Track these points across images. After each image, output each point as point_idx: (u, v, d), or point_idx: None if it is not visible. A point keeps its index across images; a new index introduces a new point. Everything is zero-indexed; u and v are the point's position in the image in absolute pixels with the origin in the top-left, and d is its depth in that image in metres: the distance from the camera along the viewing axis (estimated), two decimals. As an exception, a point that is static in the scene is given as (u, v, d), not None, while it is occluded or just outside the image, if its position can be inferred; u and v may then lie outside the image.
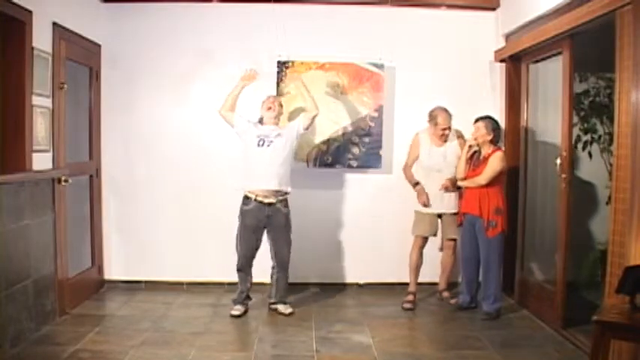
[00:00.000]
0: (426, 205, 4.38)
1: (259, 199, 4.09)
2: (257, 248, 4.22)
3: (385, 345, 3.65)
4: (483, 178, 4.07)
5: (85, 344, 3.52)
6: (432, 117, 4.37)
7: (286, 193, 4.18)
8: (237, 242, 4.19)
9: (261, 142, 4.12)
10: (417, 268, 4.48)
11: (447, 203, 4.39)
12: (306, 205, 4.87)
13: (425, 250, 4.51)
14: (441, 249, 4.58)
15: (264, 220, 4.13)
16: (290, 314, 4.20)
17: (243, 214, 4.15)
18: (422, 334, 3.93)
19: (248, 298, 4.27)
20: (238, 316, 4.11)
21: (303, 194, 4.88)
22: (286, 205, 4.20)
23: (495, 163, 4.07)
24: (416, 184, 4.43)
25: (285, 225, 4.20)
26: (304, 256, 4.84)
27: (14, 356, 3.26)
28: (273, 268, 4.28)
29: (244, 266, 4.20)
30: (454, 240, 4.47)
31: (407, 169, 4.52)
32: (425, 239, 4.47)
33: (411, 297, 4.43)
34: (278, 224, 4.16)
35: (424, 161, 4.42)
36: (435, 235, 4.49)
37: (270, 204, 4.10)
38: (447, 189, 4.35)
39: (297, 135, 4.26)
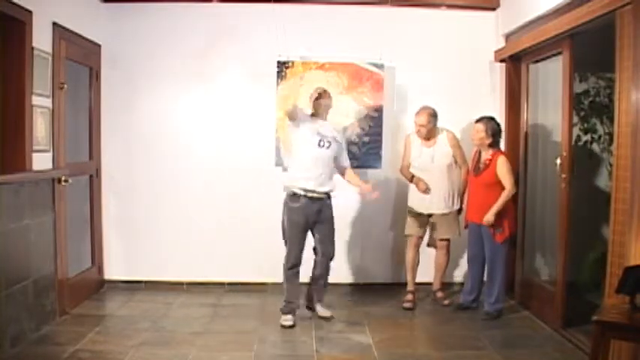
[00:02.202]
0: (426, 191, 4.34)
1: (310, 195, 3.93)
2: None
3: (385, 345, 3.65)
4: (509, 185, 4.02)
5: (85, 344, 3.52)
6: (415, 115, 4.39)
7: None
8: (286, 242, 4.02)
9: (321, 143, 3.95)
10: (413, 267, 4.48)
11: (436, 203, 4.37)
12: (306, 205, 4.88)
13: (422, 250, 4.51)
14: (429, 244, 4.58)
15: (313, 215, 3.97)
16: (330, 318, 4.11)
17: (291, 211, 3.95)
18: (422, 334, 3.93)
19: (297, 307, 4.07)
20: (291, 327, 3.92)
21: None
22: (330, 198, 4.09)
23: (505, 168, 4.04)
24: (412, 177, 4.42)
25: (332, 218, 4.10)
26: (304, 255, 4.84)
27: (14, 356, 3.26)
28: (316, 266, 4.14)
29: (297, 265, 4.01)
30: (447, 240, 4.47)
31: (404, 169, 4.50)
32: (419, 238, 4.47)
33: (410, 296, 4.43)
34: (327, 217, 4.06)
35: (414, 161, 4.43)
36: (422, 234, 4.48)
37: (319, 199, 3.98)
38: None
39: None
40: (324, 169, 3.97)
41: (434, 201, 4.37)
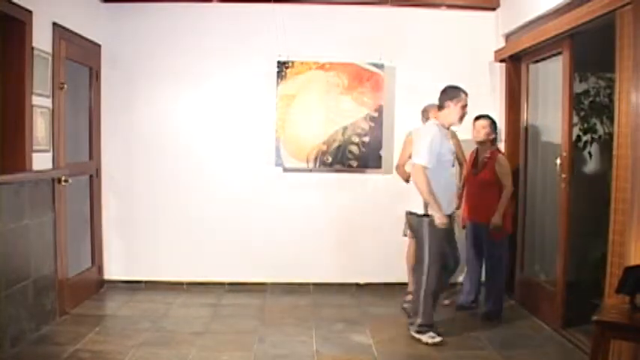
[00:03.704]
0: None
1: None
2: None
3: (385, 345, 3.66)
4: (509, 184, 4.04)
5: (85, 344, 3.52)
6: (426, 114, 4.26)
7: None
8: (434, 259, 3.61)
9: (452, 163, 3.73)
10: (412, 268, 4.43)
11: None
12: (305, 205, 4.88)
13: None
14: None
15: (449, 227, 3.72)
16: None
17: (436, 229, 3.57)
18: (422, 334, 3.93)
19: None
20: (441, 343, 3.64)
21: (303, 194, 4.89)
22: None
23: (506, 168, 4.06)
24: (409, 177, 4.27)
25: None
26: (304, 256, 4.85)
27: (14, 356, 3.27)
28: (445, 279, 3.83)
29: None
30: None
31: (400, 168, 4.41)
32: None
33: (409, 297, 4.42)
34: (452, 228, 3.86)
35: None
36: None
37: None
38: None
39: None
40: (453, 190, 3.82)
41: None
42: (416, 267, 3.81)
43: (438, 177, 3.57)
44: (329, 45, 4.82)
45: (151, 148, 4.84)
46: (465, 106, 3.66)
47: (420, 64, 4.87)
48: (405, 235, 4.41)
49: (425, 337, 3.67)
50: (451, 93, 3.68)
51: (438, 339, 3.65)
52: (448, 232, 3.70)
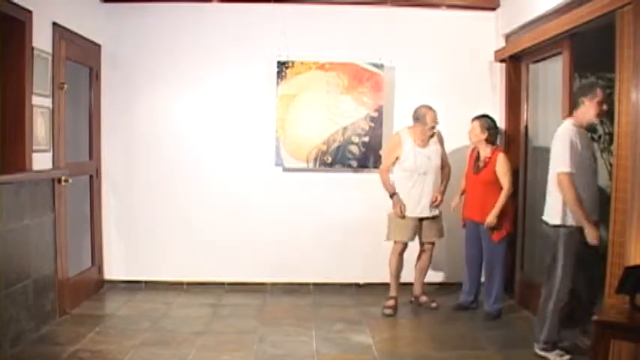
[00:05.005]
0: (402, 216, 4.21)
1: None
2: None
3: (385, 345, 3.66)
4: (507, 184, 4.02)
5: (85, 344, 3.52)
6: (420, 116, 4.19)
7: None
8: (566, 272, 3.30)
9: (595, 167, 3.46)
10: (397, 273, 4.35)
11: (429, 207, 4.25)
12: (305, 205, 4.88)
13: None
14: (419, 257, 4.47)
15: None
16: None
17: (575, 241, 3.29)
18: (422, 334, 3.93)
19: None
20: None
21: (303, 194, 4.89)
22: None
23: (505, 167, 4.04)
24: (393, 194, 4.25)
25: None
26: (304, 256, 4.85)
27: (14, 356, 3.27)
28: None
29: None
30: (432, 243, 4.39)
31: (384, 172, 4.31)
32: (405, 245, 4.32)
33: (392, 302, 4.33)
34: None
35: (407, 163, 4.20)
36: (413, 240, 4.33)
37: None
38: (437, 203, 4.26)
39: None
40: None
41: (427, 205, 4.25)
42: (547, 279, 3.46)
43: (577, 183, 3.24)
44: (329, 45, 4.82)
45: (150, 148, 4.84)
46: (601, 102, 3.28)
47: (420, 64, 4.87)
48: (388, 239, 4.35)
49: (552, 356, 3.38)
50: (586, 89, 3.37)
51: (566, 357, 3.35)
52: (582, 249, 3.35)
